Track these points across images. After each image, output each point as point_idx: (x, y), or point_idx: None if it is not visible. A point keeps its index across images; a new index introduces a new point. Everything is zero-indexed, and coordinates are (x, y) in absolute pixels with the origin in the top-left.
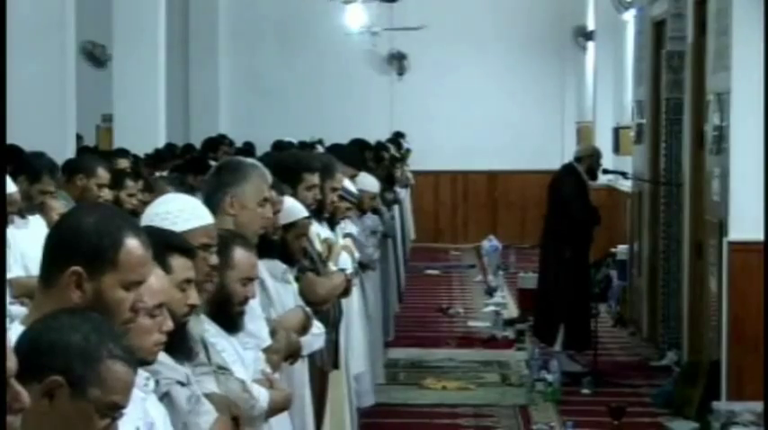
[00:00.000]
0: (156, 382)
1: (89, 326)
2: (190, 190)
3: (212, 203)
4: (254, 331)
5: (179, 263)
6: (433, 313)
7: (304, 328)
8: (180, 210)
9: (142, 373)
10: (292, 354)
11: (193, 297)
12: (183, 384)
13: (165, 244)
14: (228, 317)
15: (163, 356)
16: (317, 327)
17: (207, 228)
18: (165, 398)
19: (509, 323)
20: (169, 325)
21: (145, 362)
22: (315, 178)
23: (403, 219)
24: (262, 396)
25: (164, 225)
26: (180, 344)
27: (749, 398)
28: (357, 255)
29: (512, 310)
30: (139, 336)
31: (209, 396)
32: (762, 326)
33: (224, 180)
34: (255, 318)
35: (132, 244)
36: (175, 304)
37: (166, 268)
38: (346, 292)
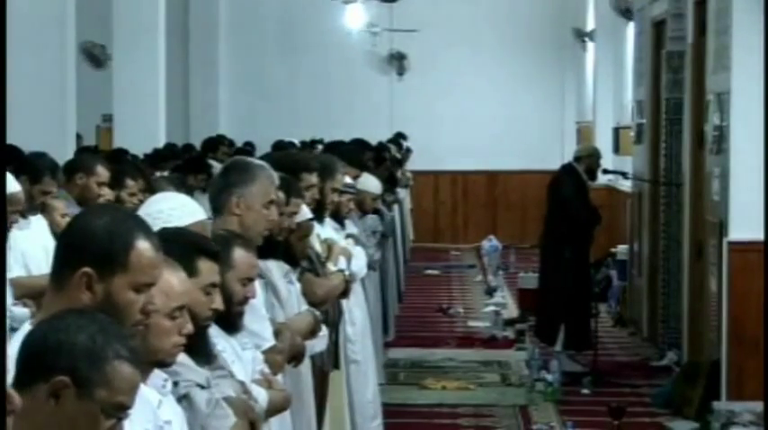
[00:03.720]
0: (176, 384)
1: (95, 327)
2: (189, 190)
3: (218, 203)
4: (257, 331)
5: (206, 266)
6: (433, 313)
7: (312, 332)
8: (172, 208)
9: (161, 375)
10: (296, 357)
11: (218, 301)
12: (202, 387)
13: (193, 247)
14: (228, 317)
15: (184, 358)
16: (321, 330)
17: (201, 224)
18: (185, 400)
19: (509, 323)
20: (189, 328)
21: (164, 363)
22: (313, 178)
23: (402, 219)
24: (261, 396)
25: (157, 224)
26: (201, 348)
27: (749, 398)
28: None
29: (512, 310)
30: (159, 338)
31: (226, 399)
32: (762, 326)
33: (231, 180)
34: (259, 319)
35: (143, 246)
36: (199, 307)
37: (194, 271)
38: (345, 293)
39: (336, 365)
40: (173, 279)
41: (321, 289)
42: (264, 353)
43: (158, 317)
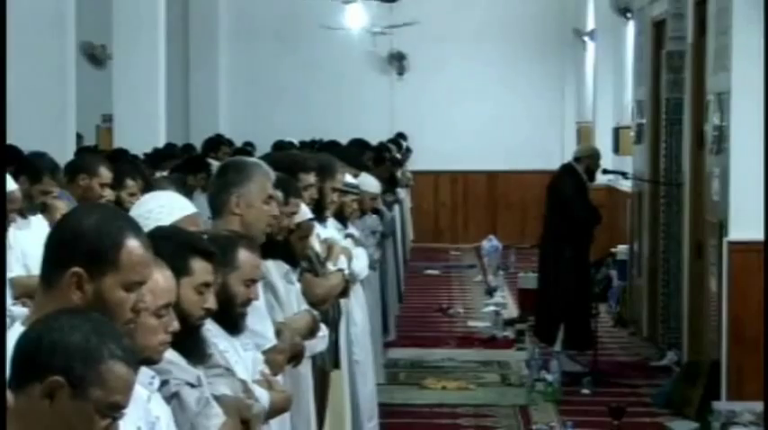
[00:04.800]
0: (166, 382)
1: (89, 327)
2: (189, 190)
3: (218, 204)
4: (259, 331)
5: (200, 266)
6: (433, 313)
7: (311, 332)
8: (161, 206)
9: (147, 372)
10: (295, 356)
11: (210, 301)
12: (193, 386)
13: (187, 246)
14: (231, 317)
15: (176, 357)
16: (322, 330)
17: (191, 217)
18: (175, 398)
19: (509, 323)
20: (175, 325)
21: (151, 361)
22: (310, 178)
23: (403, 219)
24: (262, 397)
25: (149, 223)
26: (194, 347)
27: (749, 398)
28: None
29: (512, 310)
30: (145, 336)
31: (219, 398)
32: (762, 327)
33: (229, 180)
34: (261, 319)
35: (133, 244)
36: (192, 306)
37: (187, 270)
38: (344, 293)
39: (337, 365)
40: (158, 277)
41: (320, 288)
42: (265, 353)
43: (145, 315)
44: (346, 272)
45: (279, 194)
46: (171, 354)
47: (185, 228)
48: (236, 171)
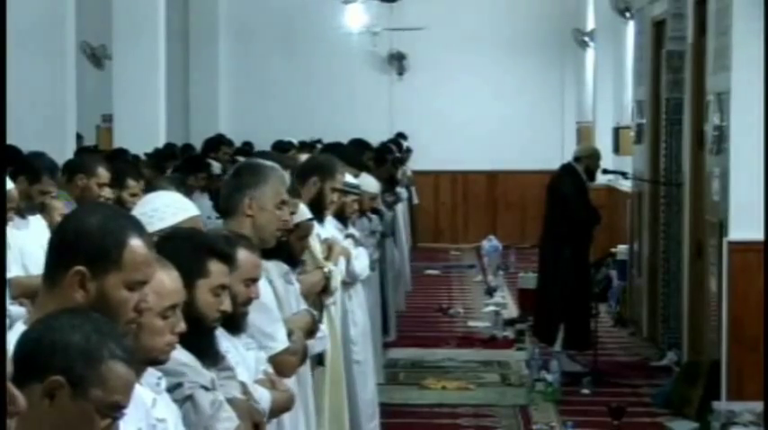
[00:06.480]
0: (180, 384)
1: (90, 327)
2: (189, 190)
3: (230, 204)
4: (270, 333)
5: (217, 268)
6: (433, 313)
7: (311, 331)
8: (166, 205)
9: (154, 373)
10: (304, 357)
11: (226, 303)
12: (207, 389)
13: (205, 248)
14: (232, 317)
15: (190, 360)
16: (321, 331)
17: (194, 219)
18: (189, 401)
19: (509, 323)
20: (182, 326)
21: (157, 361)
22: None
23: (405, 218)
24: (263, 397)
25: (152, 222)
26: (208, 349)
27: (749, 398)
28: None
29: (512, 310)
30: (151, 337)
31: (231, 401)
32: (762, 326)
33: (243, 181)
34: (273, 321)
35: (136, 244)
36: (208, 308)
37: (204, 272)
38: (325, 291)
39: (321, 362)
40: (165, 278)
41: (301, 286)
42: (279, 354)
43: (150, 316)
44: (326, 270)
45: (293, 200)
46: (185, 357)
47: (201, 231)
48: (251, 173)
